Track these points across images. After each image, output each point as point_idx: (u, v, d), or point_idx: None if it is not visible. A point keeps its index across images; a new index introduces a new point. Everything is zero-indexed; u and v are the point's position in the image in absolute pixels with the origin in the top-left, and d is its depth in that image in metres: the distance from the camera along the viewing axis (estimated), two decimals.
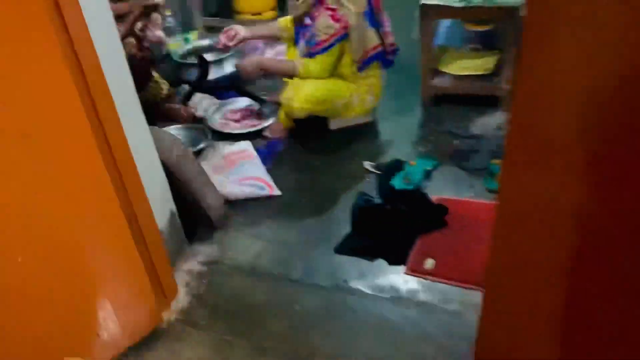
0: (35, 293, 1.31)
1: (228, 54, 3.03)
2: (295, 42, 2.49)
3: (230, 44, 2.55)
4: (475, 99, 2.63)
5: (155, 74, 2.51)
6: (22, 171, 1.19)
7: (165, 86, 2.56)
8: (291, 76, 2.39)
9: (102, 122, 1.32)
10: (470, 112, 2.59)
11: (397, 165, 2.29)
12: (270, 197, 2.19)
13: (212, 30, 3.66)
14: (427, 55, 2.59)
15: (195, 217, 1.99)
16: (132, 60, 2.34)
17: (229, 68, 2.99)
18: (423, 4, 2.43)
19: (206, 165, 2.37)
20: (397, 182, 2.18)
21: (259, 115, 2.74)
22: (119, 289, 1.50)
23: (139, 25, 2.52)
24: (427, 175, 2.23)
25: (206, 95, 2.87)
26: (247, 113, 2.78)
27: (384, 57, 2.42)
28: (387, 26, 2.43)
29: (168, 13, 3.25)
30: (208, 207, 1.95)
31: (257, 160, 2.36)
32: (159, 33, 2.58)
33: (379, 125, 2.65)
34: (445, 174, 2.25)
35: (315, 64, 2.30)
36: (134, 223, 1.48)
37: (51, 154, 1.23)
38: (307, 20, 2.35)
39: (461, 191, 2.13)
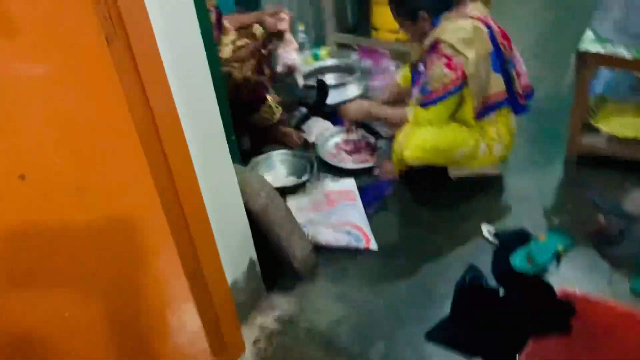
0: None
1: (352, 77, 2.84)
2: (412, 82, 2.22)
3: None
4: (634, 166, 2.16)
5: (269, 98, 2.39)
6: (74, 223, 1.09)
7: (278, 111, 2.43)
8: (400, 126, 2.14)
9: (173, 174, 1.19)
10: (625, 183, 2.13)
11: (521, 237, 1.93)
12: (365, 251, 1.96)
13: (344, 47, 3.49)
14: (579, 106, 2.17)
15: (279, 265, 1.82)
16: (246, 84, 2.25)
17: (352, 92, 2.80)
18: (582, 52, 2.02)
19: (305, 199, 2.21)
20: (518, 261, 1.82)
21: (373, 150, 2.51)
22: (174, 348, 1.38)
23: (269, 46, 2.42)
24: (557, 257, 1.84)
25: (321, 120, 2.71)
26: (361, 145, 2.57)
27: (514, 103, 2.06)
28: (520, 66, 2.06)
29: (301, 27, 3.14)
30: (293, 257, 1.77)
31: (359, 204, 2.14)
32: (294, 56, 2.45)
33: (507, 179, 2.28)
34: (580, 258, 1.85)
35: (427, 115, 2.01)
36: (199, 279, 1.34)
37: (105, 206, 1.12)
38: (421, 67, 2.07)
39: (597, 286, 1.73)
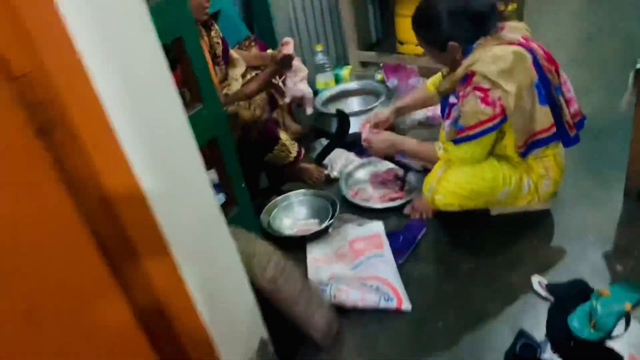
0: None
1: (377, 101, 2.59)
2: (441, 111, 1.94)
3: (375, 132, 2.08)
4: None
5: (283, 136, 2.17)
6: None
7: (294, 148, 2.21)
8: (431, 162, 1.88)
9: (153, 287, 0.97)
10: None
11: (579, 291, 1.64)
12: (396, 311, 1.71)
13: (367, 65, 3.25)
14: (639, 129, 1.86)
15: (298, 336, 1.59)
16: (256, 124, 2.04)
17: None
18: None
19: (327, 248, 1.98)
20: (579, 324, 1.54)
21: (402, 184, 2.26)
22: None
23: (277, 80, 2.21)
24: (625, 318, 1.55)
25: (344, 152, 2.47)
26: (390, 178, 2.32)
27: (564, 135, 1.77)
28: (569, 91, 1.77)
29: (319, 48, 2.92)
30: (313, 329, 1.54)
31: (388, 253, 1.89)
32: (303, 86, 2.23)
33: (557, 214, 1.99)
34: None
35: (460, 153, 1.75)
36: None
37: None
38: (452, 99, 1.79)
39: None
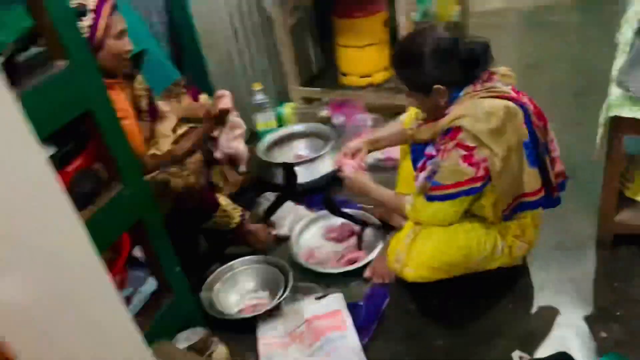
0: None
1: (327, 146, 2.37)
2: (412, 160, 1.74)
3: (354, 164, 1.82)
4: None
5: (223, 202, 1.90)
6: None
7: (237, 212, 1.94)
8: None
9: None
10: None
11: None
12: None
13: (311, 102, 3.03)
14: (612, 178, 1.73)
15: None
16: (190, 192, 1.76)
17: (325, 167, 2.33)
18: (614, 116, 1.58)
19: (280, 327, 1.74)
20: None
21: (359, 241, 2.04)
22: None
23: (215, 133, 1.95)
24: None
25: (293, 206, 2.23)
26: (345, 234, 2.10)
27: (548, 199, 1.61)
28: (555, 151, 1.62)
29: (258, 87, 2.67)
30: None
31: (351, 333, 1.65)
32: (238, 144, 1.97)
33: (532, 271, 1.83)
34: None
35: (430, 211, 1.55)
36: None
37: None
38: (430, 149, 1.60)
39: None
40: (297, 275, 1.93)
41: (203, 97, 2.19)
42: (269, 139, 2.48)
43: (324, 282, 1.90)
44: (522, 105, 1.49)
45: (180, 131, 2.02)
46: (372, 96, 2.84)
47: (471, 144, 1.44)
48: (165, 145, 1.94)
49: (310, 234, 2.14)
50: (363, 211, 2.11)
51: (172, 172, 1.73)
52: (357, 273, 1.91)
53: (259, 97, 2.68)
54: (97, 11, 1.65)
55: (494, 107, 1.44)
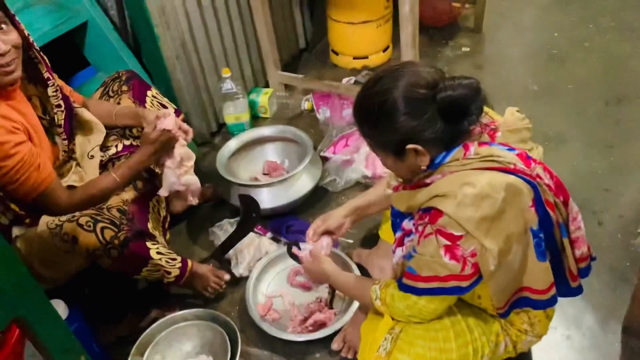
0: None
1: (300, 167, 1.93)
2: (392, 224, 1.33)
3: (315, 249, 1.46)
4: None
5: (156, 254, 1.48)
6: None
7: (176, 265, 1.53)
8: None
9: None
10: None
11: None
12: None
13: (292, 90, 2.56)
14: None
15: None
16: (108, 251, 1.35)
17: (297, 190, 1.91)
18: None
19: None
20: None
21: (331, 294, 1.66)
22: None
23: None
24: None
25: (256, 237, 1.83)
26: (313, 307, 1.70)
27: (563, 288, 1.21)
28: (579, 229, 1.19)
29: (226, 73, 2.20)
30: None
31: None
32: (189, 179, 1.55)
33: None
34: None
35: (404, 305, 1.17)
36: None
37: None
38: (407, 223, 1.20)
39: None
40: (250, 335, 1.58)
41: (164, 112, 1.68)
42: (231, 145, 2.03)
43: (283, 349, 1.54)
44: (531, 181, 1.08)
45: (112, 147, 1.60)
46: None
47: (456, 233, 1.04)
48: (89, 169, 1.52)
49: (272, 275, 1.76)
50: (339, 253, 1.72)
51: (83, 222, 1.32)
52: (325, 341, 1.55)
53: (229, 85, 2.22)
54: None
55: (490, 185, 1.04)
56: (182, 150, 1.49)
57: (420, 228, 1.12)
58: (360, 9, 2.52)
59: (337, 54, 2.73)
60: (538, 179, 1.09)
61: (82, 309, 1.48)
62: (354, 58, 2.69)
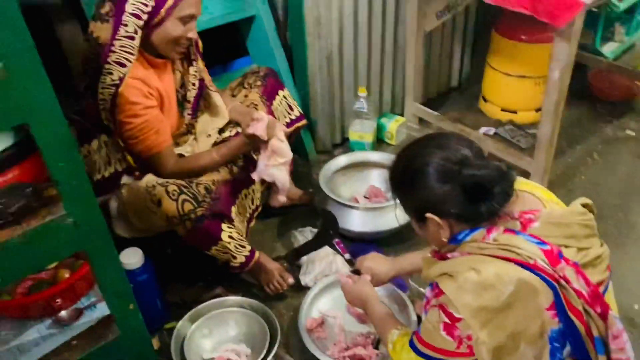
0: None
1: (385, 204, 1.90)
2: None
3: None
4: None
5: (226, 237, 1.56)
6: None
7: (243, 252, 1.61)
8: None
9: None
10: None
11: None
12: None
13: (425, 123, 2.52)
14: None
15: None
16: (183, 222, 1.48)
17: (390, 220, 1.89)
18: None
19: None
20: None
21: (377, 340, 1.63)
22: None
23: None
24: None
25: (331, 252, 1.85)
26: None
27: None
28: (623, 351, 1.00)
29: (362, 92, 2.26)
30: None
31: None
32: (277, 173, 1.63)
33: None
34: None
35: (408, 358, 1.17)
36: None
37: None
38: (428, 291, 1.16)
39: None
40: (291, 343, 1.62)
41: (258, 116, 1.79)
42: (336, 163, 2.08)
43: None
44: (551, 282, 0.98)
45: (228, 133, 1.74)
46: (491, 144, 2.24)
47: (455, 314, 1.02)
48: (202, 146, 1.68)
49: (334, 294, 1.76)
50: (405, 297, 1.68)
51: (170, 189, 1.46)
52: None
53: (362, 104, 2.28)
54: None
55: (496, 276, 0.99)
56: (277, 145, 1.58)
57: (429, 295, 1.13)
58: (522, 62, 2.41)
59: (486, 100, 2.63)
60: (562, 281, 0.98)
61: (159, 265, 1.64)
62: (502, 110, 2.57)
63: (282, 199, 1.72)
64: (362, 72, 2.33)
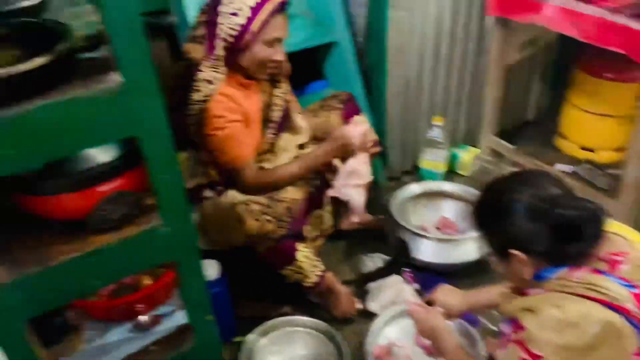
0: None
1: (470, 234, 1.88)
2: None
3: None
4: None
5: (301, 256, 1.59)
6: None
7: (315, 272, 1.63)
8: None
9: None
10: None
11: None
12: None
13: (501, 157, 2.48)
14: None
15: None
16: (264, 240, 1.51)
17: (465, 253, 1.86)
18: None
19: None
20: None
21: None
22: None
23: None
24: None
25: (399, 281, 1.83)
26: None
27: None
28: None
29: (438, 122, 2.25)
30: None
31: None
32: (353, 193, 1.65)
33: None
34: None
35: None
36: None
37: None
38: (504, 326, 1.12)
39: None
40: None
41: (358, 120, 1.86)
42: (410, 191, 2.08)
43: None
44: (638, 327, 0.96)
45: (307, 150, 1.77)
46: (568, 182, 2.18)
47: (535, 351, 0.98)
48: (281, 160, 1.72)
49: (403, 324, 1.74)
50: (474, 332, 1.64)
51: (253, 208, 1.50)
52: None
53: (436, 133, 2.27)
54: (255, 10, 1.45)
55: (580, 315, 0.97)
56: (356, 164, 1.60)
57: (504, 331, 1.08)
58: (605, 100, 2.33)
59: (563, 137, 2.56)
60: None
61: (232, 279, 1.68)
62: (581, 148, 2.50)
63: (355, 219, 1.73)
64: (439, 100, 2.32)
